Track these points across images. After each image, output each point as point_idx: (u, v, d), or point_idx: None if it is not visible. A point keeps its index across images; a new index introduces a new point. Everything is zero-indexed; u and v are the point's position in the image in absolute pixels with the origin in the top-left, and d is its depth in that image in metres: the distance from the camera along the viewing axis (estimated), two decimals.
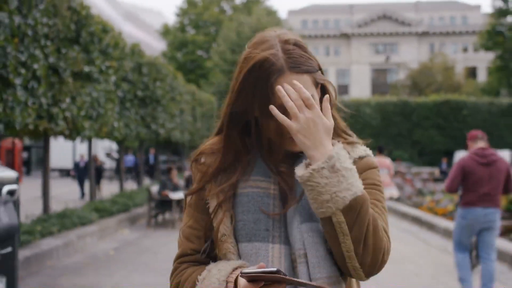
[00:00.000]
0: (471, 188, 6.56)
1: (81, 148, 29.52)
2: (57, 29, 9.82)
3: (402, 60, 68.61)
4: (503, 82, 46.47)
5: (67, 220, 10.70)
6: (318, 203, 1.48)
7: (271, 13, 49.11)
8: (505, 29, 42.55)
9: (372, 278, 1.58)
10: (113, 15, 55.50)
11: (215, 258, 1.64)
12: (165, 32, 54.10)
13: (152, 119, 17.62)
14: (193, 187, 1.70)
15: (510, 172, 6.67)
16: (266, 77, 1.53)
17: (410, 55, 70.23)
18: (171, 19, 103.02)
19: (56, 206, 12.20)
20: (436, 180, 26.47)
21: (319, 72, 1.62)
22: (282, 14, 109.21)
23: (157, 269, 8.60)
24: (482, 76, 66.86)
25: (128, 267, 8.96)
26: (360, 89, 69.16)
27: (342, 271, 1.56)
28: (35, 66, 8.76)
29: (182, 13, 54.00)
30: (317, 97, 1.57)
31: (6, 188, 4.68)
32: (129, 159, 30.16)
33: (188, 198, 1.72)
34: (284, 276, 1.39)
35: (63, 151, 31.45)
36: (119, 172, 18.07)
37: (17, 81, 8.17)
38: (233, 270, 1.53)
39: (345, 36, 72.65)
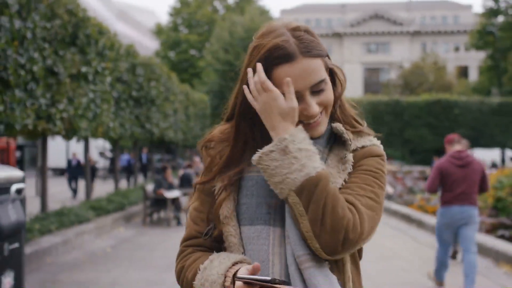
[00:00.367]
0: (449, 188, 7.06)
1: (75, 147, 29.72)
2: (54, 31, 10.03)
3: (394, 59, 68.92)
4: (494, 82, 46.95)
5: (65, 218, 10.94)
6: (272, 185, 1.52)
7: (263, 12, 49.26)
8: (495, 29, 42.99)
9: (362, 272, 1.71)
10: (106, 14, 55.50)
11: (219, 240, 1.67)
12: (158, 31, 54.26)
13: (147, 119, 17.84)
14: (203, 175, 1.72)
15: (485, 172, 7.16)
16: (279, 63, 1.53)
17: (402, 54, 70.57)
18: (164, 18, 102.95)
19: (51, 205, 12.43)
20: (427, 178, 26.73)
21: (328, 57, 1.65)
22: (275, 13, 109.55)
23: (153, 265, 8.87)
24: (473, 75, 67.29)
25: (125, 263, 9.20)
26: (353, 88, 69.39)
27: None
28: (35, 68, 8.99)
29: (175, 12, 54.18)
30: (329, 81, 1.61)
31: (14, 187, 4.93)
32: (125, 158, 30.38)
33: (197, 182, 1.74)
34: (279, 286, 1.41)
35: (56, 151, 31.54)
36: (114, 171, 18.26)
37: (17, 82, 8.40)
38: (233, 265, 1.54)
39: (337, 36, 72.99)
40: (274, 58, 1.53)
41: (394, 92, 49.24)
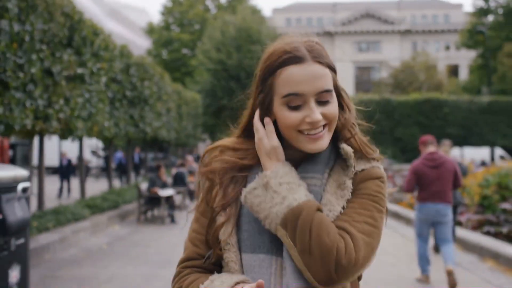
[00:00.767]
0: (423, 187, 7.72)
1: (67, 146, 29.85)
2: (51, 33, 10.25)
3: (385, 58, 69.26)
4: (484, 80, 47.33)
5: (61, 216, 11.17)
6: (261, 220, 1.51)
7: (255, 11, 49.30)
8: (485, 28, 43.40)
9: None
10: (97, 12, 55.55)
11: (219, 264, 1.63)
12: (150, 30, 54.30)
13: (140, 118, 18.04)
14: (201, 201, 1.69)
15: (457, 171, 7.77)
16: (288, 64, 1.51)
17: (393, 53, 70.98)
18: (155, 16, 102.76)
19: (46, 203, 12.65)
20: None
21: (336, 74, 1.61)
22: (267, 12, 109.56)
23: (149, 261, 9.15)
24: (464, 74, 67.76)
25: (122, 259, 9.45)
26: (344, 87, 69.42)
27: None
28: (33, 70, 9.20)
29: (167, 11, 54.22)
30: (335, 97, 1.57)
31: (21, 186, 5.19)
32: (117, 156, 30.54)
33: (197, 201, 1.71)
34: None
35: (50, 150, 31.64)
36: (107, 170, 18.42)
37: (15, 84, 8.62)
38: (235, 285, 1.49)
39: (329, 34, 73.31)
40: (283, 60, 1.51)
41: (385, 91, 49.50)
